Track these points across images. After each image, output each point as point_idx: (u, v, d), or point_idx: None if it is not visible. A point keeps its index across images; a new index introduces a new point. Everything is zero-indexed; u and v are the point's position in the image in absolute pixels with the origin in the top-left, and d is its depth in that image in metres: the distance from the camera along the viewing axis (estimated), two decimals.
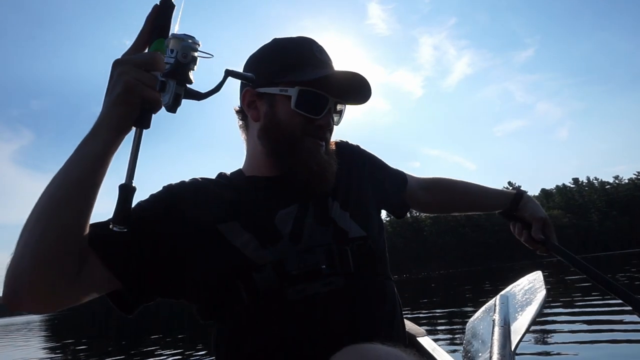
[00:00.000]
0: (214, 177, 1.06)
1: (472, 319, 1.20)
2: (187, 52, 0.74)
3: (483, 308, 1.19)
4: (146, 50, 0.76)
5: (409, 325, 1.38)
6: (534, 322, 1.06)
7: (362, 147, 1.22)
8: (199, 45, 0.75)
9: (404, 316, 1.00)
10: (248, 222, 0.91)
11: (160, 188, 0.97)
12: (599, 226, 73.82)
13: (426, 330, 1.41)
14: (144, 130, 0.74)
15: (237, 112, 1.07)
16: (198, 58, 0.76)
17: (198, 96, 0.77)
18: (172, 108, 0.75)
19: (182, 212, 0.91)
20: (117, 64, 0.73)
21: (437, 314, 9.01)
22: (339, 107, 1.03)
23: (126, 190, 0.71)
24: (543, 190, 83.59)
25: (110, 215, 0.72)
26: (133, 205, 0.79)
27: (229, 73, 0.81)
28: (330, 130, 1.03)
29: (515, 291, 1.21)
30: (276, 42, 1.05)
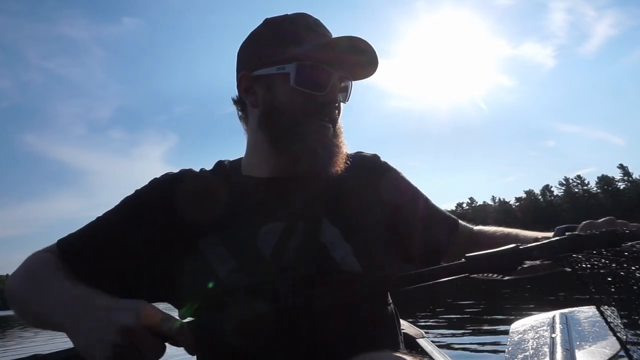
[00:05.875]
0: (211, 166, 1.00)
1: (518, 325, 1.11)
2: None
3: (535, 319, 1.10)
4: None
5: (407, 327, 1.35)
6: None
7: (398, 170, 1.03)
8: None
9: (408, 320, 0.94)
10: (229, 237, 0.85)
11: (147, 183, 0.94)
12: None
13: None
14: None
15: (235, 102, 0.99)
16: None
17: None
18: None
19: (165, 215, 0.87)
20: None
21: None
22: (343, 83, 0.93)
23: None
24: None
25: None
26: (121, 201, 0.89)
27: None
28: (338, 109, 0.92)
29: (580, 317, 1.10)
30: (267, 21, 0.97)
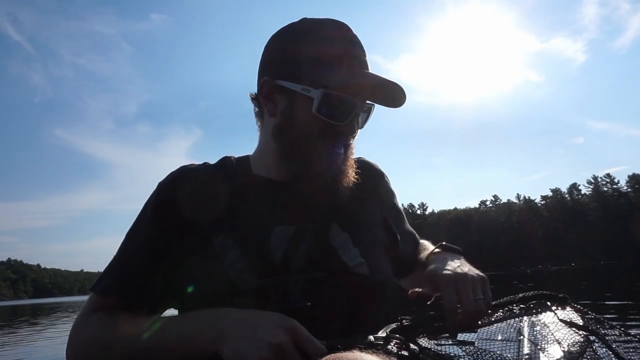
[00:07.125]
0: (214, 161, 0.99)
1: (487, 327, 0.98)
2: None
3: (507, 323, 0.94)
4: None
5: None
6: None
7: (389, 180, 1.10)
8: None
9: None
10: (242, 237, 0.85)
11: (154, 189, 0.92)
12: None
13: None
14: None
15: (253, 99, 0.96)
16: None
17: None
18: None
19: (177, 218, 0.87)
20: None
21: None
22: (365, 107, 0.92)
23: None
24: None
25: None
26: (135, 219, 0.90)
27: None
28: (354, 136, 0.91)
29: (549, 324, 0.93)
30: (305, 25, 0.92)
